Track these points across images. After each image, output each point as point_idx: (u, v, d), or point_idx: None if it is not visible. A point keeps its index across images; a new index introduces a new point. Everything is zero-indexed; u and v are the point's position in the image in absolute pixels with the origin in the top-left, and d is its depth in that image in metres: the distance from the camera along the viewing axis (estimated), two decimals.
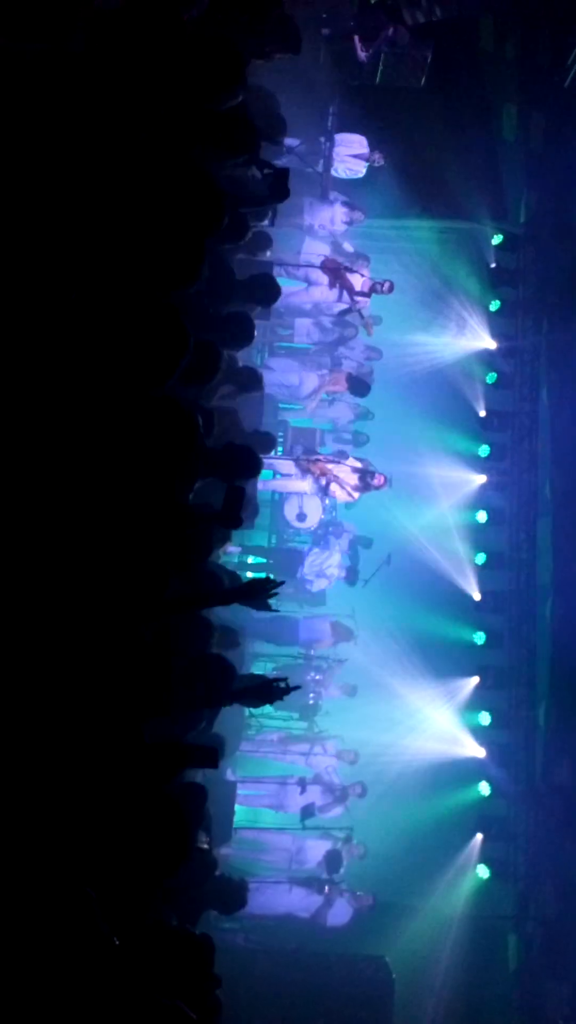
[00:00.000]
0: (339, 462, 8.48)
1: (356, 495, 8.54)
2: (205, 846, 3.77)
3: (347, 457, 8.68)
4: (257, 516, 6.94)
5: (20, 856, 1.79)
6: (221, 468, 4.21)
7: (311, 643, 8.32)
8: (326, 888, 7.33)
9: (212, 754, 2.76)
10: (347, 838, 7.64)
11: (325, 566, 8.63)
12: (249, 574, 8.04)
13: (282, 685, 3.45)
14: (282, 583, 3.41)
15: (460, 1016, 7.80)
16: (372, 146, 8.22)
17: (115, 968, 1.78)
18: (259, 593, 3.37)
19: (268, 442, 6.13)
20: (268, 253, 5.38)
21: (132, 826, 2.11)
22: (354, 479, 8.40)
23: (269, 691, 3.47)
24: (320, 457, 8.65)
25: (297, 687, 3.56)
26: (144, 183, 1.75)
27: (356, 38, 6.86)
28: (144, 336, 2.02)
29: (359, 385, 8.65)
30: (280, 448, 8.71)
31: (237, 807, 7.19)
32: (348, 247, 8.47)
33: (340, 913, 7.44)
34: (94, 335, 1.89)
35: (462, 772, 9.03)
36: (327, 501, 8.90)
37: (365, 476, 8.37)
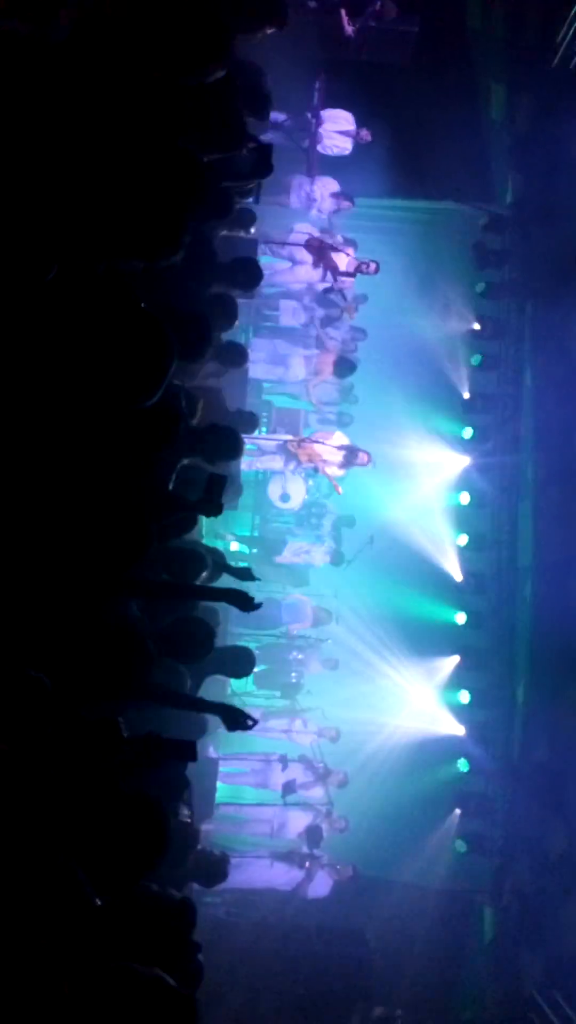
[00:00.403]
0: (323, 441, 8.49)
1: (341, 472, 8.58)
2: (187, 819, 3.82)
3: (331, 435, 8.70)
4: (240, 495, 6.96)
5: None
6: (204, 448, 4.22)
7: (291, 624, 8.38)
8: (306, 863, 7.44)
9: (190, 748, 2.79)
10: (328, 812, 7.75)
11: (305, 551, 8.69)
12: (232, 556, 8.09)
13: (249, 723, 3.51)
14: (258, 606, 3.52)
15: (437, 986, 7.98)
16: (359, 123, 8.14)
17: (96, 928, 1.81)
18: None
19: (252, 421, 6.12)
20: (253, 230, 5.32)
21: (109, 824, 2.13)
22: (338, 457, 8.43)
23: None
24: (305, 440, 8.67)
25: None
26: (125, 156, 1.73)
27: (343, 11, 6.76)
28: (128, 345, 2.01)
29: (344, 365, 8.65)
30: (264, 429, 8.71)
31: (219, 785, 7.27)
32: (336, 234, 8.41)
33: (320, 885, 7.57)
34: (74, 319, 1.88)
35: (442, 749, 9.17)
36: (311, 482, 8.94)
37: (350, 453, 8.40)
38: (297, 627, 8.41)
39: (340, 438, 8.76)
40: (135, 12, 1.92)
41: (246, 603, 3.49)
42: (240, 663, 4.81)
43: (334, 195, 8.26)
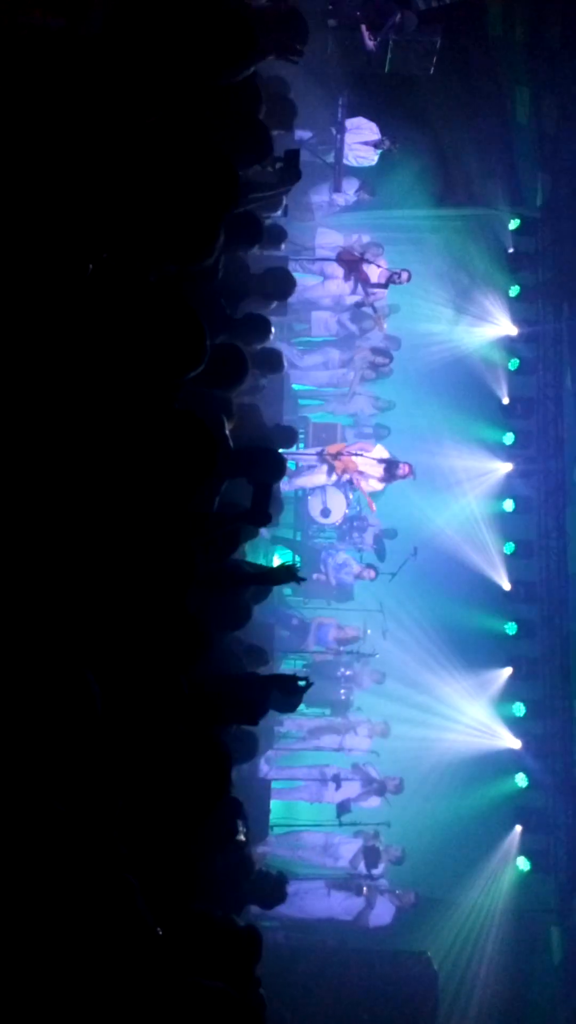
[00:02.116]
0: (362, 454, 8.43)
1: (382, 486, 8.49)
2: (243, 838, 3.76)
3: (371, 448, 8.64)
4: (282, 512, 6.93)
5: (61, 838, 1.78)
6: (247, 469, 4.21)
7: (316, 646, 8.28)
8: (364, 889, 7.27)
9: (252, 708, 2.75)
10: (376, 834, 7.58)
11: (344, 571, 8.59)
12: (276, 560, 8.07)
13: (302, 683, 3.47)
14: (303, 579, 3.52)
15: (505, 1010, 7.71)
16: (383, 132, 8.16)
17: (158, 958, 1.77)
18: (285, 577, 3.42)
19: (291, 436, 6.11)
20: (283, 247, 5.34)
21: (172, 766, 2.11)
22: (379, 470, 8.35)
23: (290, 686, 3.47)
24: (343, 450, 8.62)
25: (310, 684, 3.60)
26: (158, 159, 1.73)
27: (363, 27, 6.79)
28: (160, 329, 2.01)
29: (382, 352, 8.61)
30: (301, 444, 8.69)
31: (272, 803, 7.18)
32: (365, 237, 8.42)
33: (382, 913, 7.37)
34: (110, 318, 1.89)
35: (498, 764, 8.94)
36: (351, 496, 8.87)
37: (390, 467, 8.32)
38: (322, 656, 8.31)
39: (380, 451, 8.70)
40: (165, 9, 1.93)
41: (295, 578, 3.58)
42: (287, 699, 4.71)
43: (357, 191, 8.27)
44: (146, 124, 1.68)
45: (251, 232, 3.88)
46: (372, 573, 8.56)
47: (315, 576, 8.65)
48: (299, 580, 3.63)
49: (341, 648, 8.60)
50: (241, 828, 3.89)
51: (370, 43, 6.76)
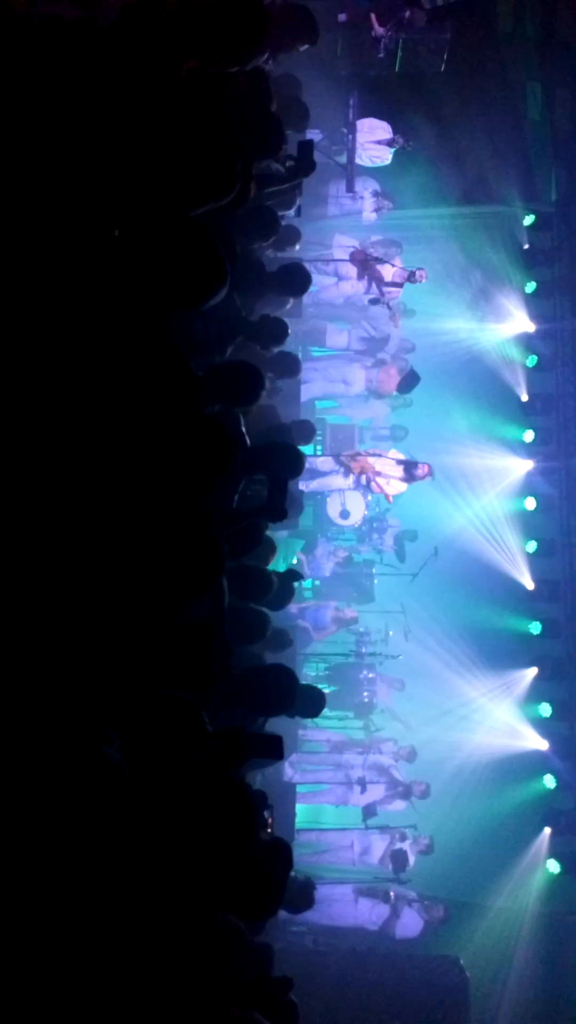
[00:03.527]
0: (381, 455, 8.40)
1: (403, 487, 8.44)
2: (269, 829, 3.72)
3: (388, 450, 8.60)
4: (301, 512, 6.91)
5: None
6: (265, 465, 4.19)
7: (315, 633, 8.20)
8: (392, 895, 7.19)
9: (277, 744, 2.72)
10: (403, 835, 7.50)
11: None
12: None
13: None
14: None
15: (538, 1014, 7.59)
16: (395, 131, 8.14)
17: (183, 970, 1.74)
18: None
19: (309, 431, 6.09)
20: (297, 247, 5.33)
21: (198, 811, 2.08)
22: (399, 471, 8.31)
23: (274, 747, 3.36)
24: (361, 453, 8.59)
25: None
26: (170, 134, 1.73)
27: (372, 15, 6.76)
28: (181, 259, 1.98)
29: (409, 382, 8.56)
30: (319, 448, 8.67)
31: (297, 806, 7.13)
32: (375, 238, 8.39)
33: (410, 924, 7.27)
34: (135, 272, 1.86)
35: (525, 765, 8.82)
36: (369, 497, 8.83)
37: (409, 467, 8.27)
38: (319, 635, 8.23)
39: (396, 453, 8.66)
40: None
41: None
42: (310, 705, 4.65)
43: (375, 194, 8.25)
44: (158, 108, 1.68)
45: (266, 225, 3.87)
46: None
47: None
48: (299, 578, 3.84)
49: (364, 650, 8.56)
50: (268, 816, 3.85)
51: (379, 30, 6.71)
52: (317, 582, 8.73)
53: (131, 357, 2.21)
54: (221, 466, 2.69)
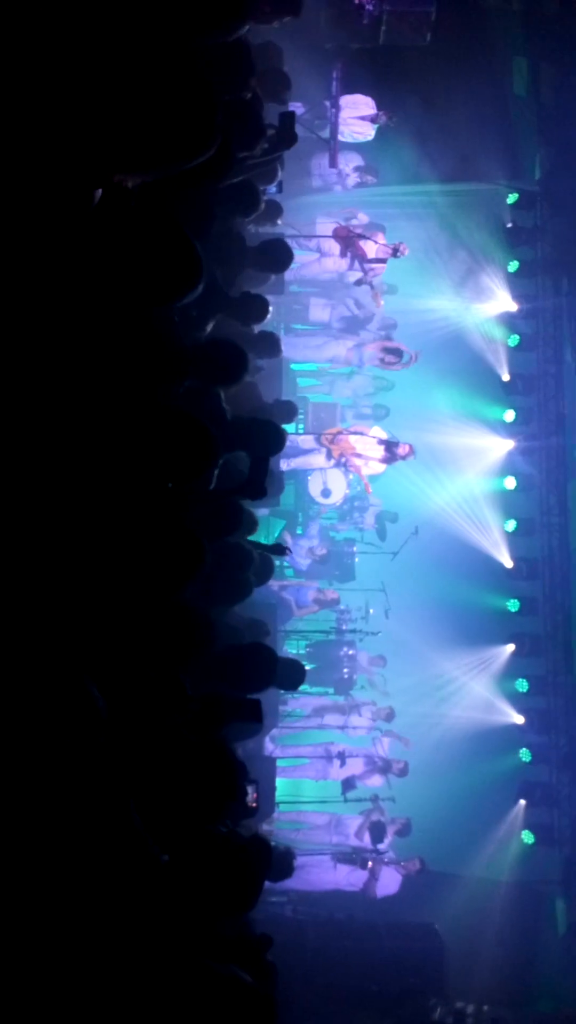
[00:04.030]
0: (362, 434, 8.41)
1: (383, 467, 8.47)
2: (253, 804, 3.79)
3: (368, 429, 8.61)
4: (282, 491, 6.92)
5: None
6: (245, 442, 4.20)
7: (296, 611, 8.28)
8: (369, 863, 7.34)
9: (255, 707, 2.76)
10: (380, 807, 7.63)
11: (308, 547, 8.60)
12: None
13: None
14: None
15: (512, 981, 7.81)
16: (379, 107, 8.05)
17: (163, 887, 1.78)
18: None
19: (290, 411, 6.09)
20: (279, 223, 5.29)
21: (180, 771, 2.12)
22: (380, 451, 8.33)
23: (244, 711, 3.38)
24: (343, 431, 8.59)
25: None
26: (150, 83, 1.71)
27: None
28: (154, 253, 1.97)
29: (393, 352, 8.57)
30: (301, 426, 8.67)
31: (278, 780, 7.23)
32: (363, 217, 8.34)
33: (389, 883, 7.45)
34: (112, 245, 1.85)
35: (502, 739, 9.00)
36: (351, 476, 8.85)
37: (391, 447, 8.30)
38: (300, 612, 8.32)
39: (378, 432, 8.67)
40: None
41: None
42: (290, 677, 4.71)
43: (357, 169, 8.18)
44: (137, 75, 1.66)
45: (247, 199, 3.84)
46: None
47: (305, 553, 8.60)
48: (284, 552, 3.84)
49: (344, 627, 8.64)
50: (250, 794, 3.92)
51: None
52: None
53: (112, 335, 2.19)
54: (197, 469, 2.68)
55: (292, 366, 8.66)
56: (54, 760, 1.61)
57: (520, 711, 9.16)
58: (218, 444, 2.69)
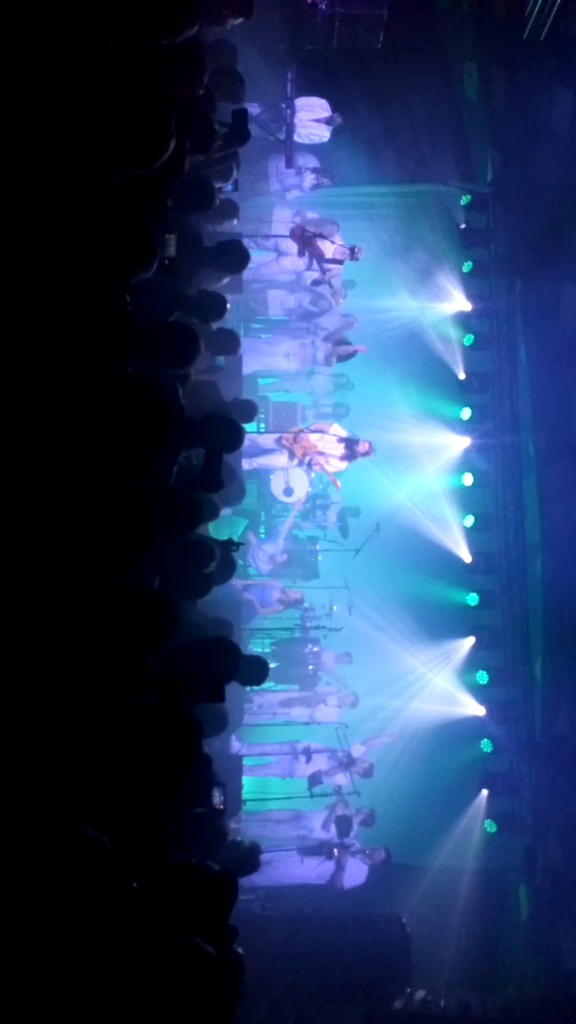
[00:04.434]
0: (323, 432, 8.48)
1: (344, 464, 8.56)
2: (220, 806, 3.81)
3: (328, 427, 8.69)
4: (243, 496, 6.95)
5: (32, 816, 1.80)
6: (204, 439, 4.22)
7: (261, 609, 8.34)
8: (335, 852, 7.42)
9: (216, 685, 2.80)
10: (345, 802, 7.70)
11: (270, 554, 8.66)
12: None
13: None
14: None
15: (477, 967, 7.96)
16: (333, 108, 8.14)
17: (133, 911, 1.81)
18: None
19: (250, 410, 6.12)
20: (235, 222, 5.33)
21: (143, 736, 2.14)
22: (340, 449, 8.42)
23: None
24: (303, 430, 8.66)
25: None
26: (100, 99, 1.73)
27: None
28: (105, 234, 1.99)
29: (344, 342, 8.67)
30: (263, 425, 8.71)
31: (245, 778, 7.26)
32: (313, 215, 8.41)
33: (356, 873, 7.53)
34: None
35: (463, 731, 9.15)
36: (312, 475, 8.93)
37: (351, 444, 8.39)
38: (265, 611, 8.38)
39: (337, 429, 8.76)
40: None
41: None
42: (254, 672, 4.73)
43: (314, 171, 8.26)
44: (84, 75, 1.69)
45: (202, 196, 3.87)
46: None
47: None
48: (236, 546, 4.09)
49: (308, 624, 8.70)
50: (218, 796, 3.94)
51: None
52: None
53: (64, 314, 2.19)
54: (157, 433, 2.70)
55: (260, 380, 8.71)
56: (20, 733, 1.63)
57: (481, 702, 9.33)
58: (173, 408, 2.71)
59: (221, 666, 3.60)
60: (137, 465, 2.68)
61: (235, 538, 7.99)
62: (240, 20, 4.59)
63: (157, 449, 2.74)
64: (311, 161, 8.40)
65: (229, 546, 4.37)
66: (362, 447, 8.48)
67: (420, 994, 6.88)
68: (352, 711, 8.49)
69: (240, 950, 3.22)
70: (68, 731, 1.78)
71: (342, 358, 8.72)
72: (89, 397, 2.32)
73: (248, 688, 7.46)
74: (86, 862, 1.90)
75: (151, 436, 2.58)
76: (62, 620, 2.07)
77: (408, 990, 6.89)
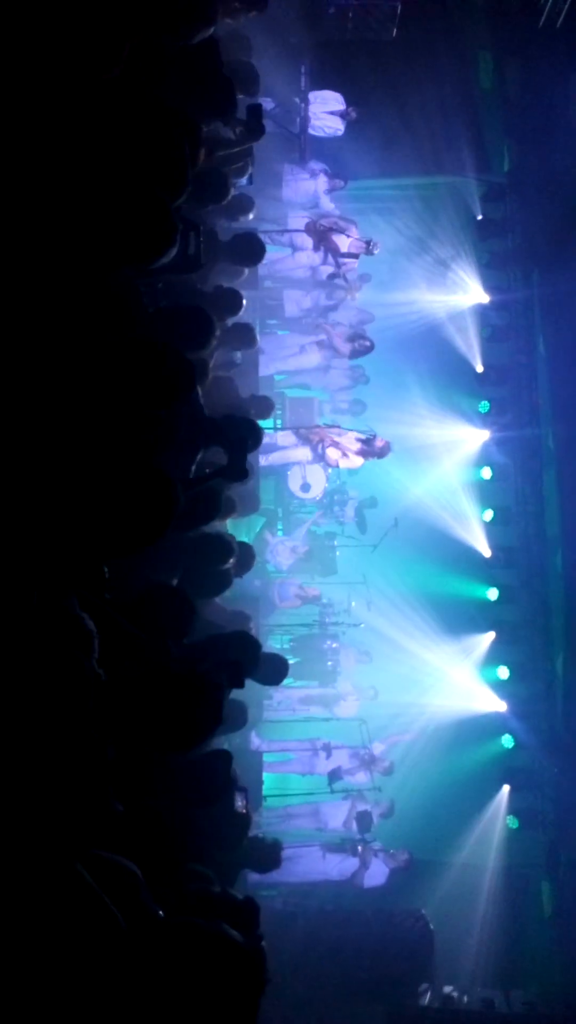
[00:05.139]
0: (341, 431, 8.46)
1: (360, 460, 8.52)
2: (243, 810, 3.81)
3: (347, 431, 8.63)
4: (259, 506, 6.92)
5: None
6: (223, 438, 4.21)
7: (279, 604, 8.33)
8: (359, 848, 7.41)
9: (236, 669, 2.78)
10: (362, 797, 7.69)
11: (291, 547, 8.64)
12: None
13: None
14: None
15: (500, 964, 7.92)
16: (348, 102, 8.09)
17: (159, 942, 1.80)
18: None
19: (267, 406, 6.10)
20: (251, 216, 5.31)
21: (165, 699, 2.13)
22: (357, 445, 8.39)
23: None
24: (320, 427, 8.63)
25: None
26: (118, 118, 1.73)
27: None
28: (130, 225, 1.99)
29: (360, 347, 8.61)
30: (279, 421, 8.69)
31: (265, 775, 7.27)
32: (331, 206, 8.36)
33: (377, 873, 7.51)
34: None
35: (485, 727, 9.10)
36: (330, 470, 8.90)
37: (368, 442, 8.35)
38: (283, 605, 8.37)
39: (355, 435, 8.69)
40: None
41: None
42: (274, 671, 4.70)
43: (326, 173, 8.21)
44: (106, 79, 1.68)
45: (217, 188, 3.86)
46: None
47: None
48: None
49: (327, 620, 8.69)
50: (240, 801, 3.93)
51: None
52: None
53: (81, 306, 2.19)
54: (172, 393, 2.66)
55: (276, 376, 8.69)
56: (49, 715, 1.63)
57: (502, 697, 9.27)
58: (190, 369, 2.68)
59: (241, 658, 3.60)
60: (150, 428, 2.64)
61: (251, 538, 8.05)
62: (254, 14, 4.58)
63: (174, 401, 2.67)
64: (321, 166, 8.35)
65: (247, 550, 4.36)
66: (379, 443, 8.44)
67: (445, 990, 6.85)
68: (372, 708, 8.47)
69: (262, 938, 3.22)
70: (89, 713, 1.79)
71: (358, 353, 8.67)
72: (103, 359, 2.28)
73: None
74: (117, 890, 1.89)
75: (165, 396, 2.53)
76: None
77: (430, 986, 6.86)
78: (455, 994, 6.77)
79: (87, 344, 2.08)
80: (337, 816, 7.71)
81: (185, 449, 3.81)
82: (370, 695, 8.32)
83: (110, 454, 2.11)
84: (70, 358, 2.05)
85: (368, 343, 8.56)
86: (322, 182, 8.34)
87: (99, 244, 1.97)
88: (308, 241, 8.07)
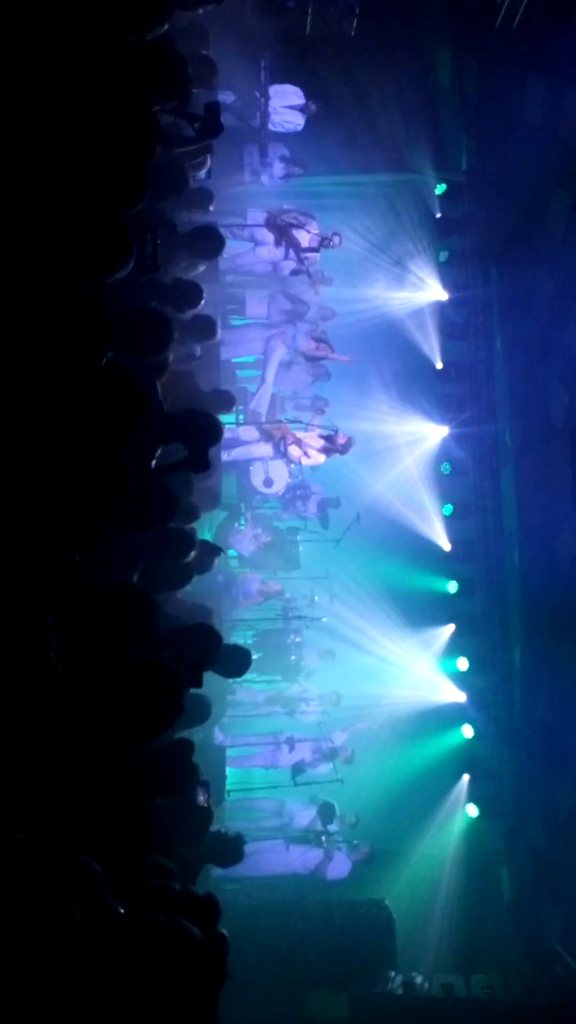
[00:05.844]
0: (304, 425, 8.48)
1: (322, 457, 8.56)
2: (204, 804, 3.81)
3: (310, 427, 8.66)
4: (219, 502, 6.91)
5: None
6: (183, 434, 4.19)
7: (241, 601, 8.35)
8: (323, 839, 7.47)
9: (195, 668, 2.78)
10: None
11: (253, 534, 8.66)
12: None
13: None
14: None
15: (461, 949, 8.06)
16: (307, 96, 8.09)
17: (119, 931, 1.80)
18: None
19: (228, 401, 6.09)
20: (210, 209, 5.28)
21: (126, 689, 2.13)
22: (319, 442, 8.42)
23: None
24: (282, 422, 8.64)
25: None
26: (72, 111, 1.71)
27: None
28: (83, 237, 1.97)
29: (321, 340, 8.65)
30: (241, 416, 8.67)
31: (228, 770, 7.27)
32: (288, 205, 8.37)
33: (340, 867, 7.60)
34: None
35: (444, 717, 9.24)
36: (292, 465, 8.92)
37: (330, 439, 8.39)
38: (246, 602, 8.40)
39: (316, 423, 8.74)
40: None
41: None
42: (236, 663, 4.70)
43: (283, 159, 8.21)
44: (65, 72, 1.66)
45: (175, 180, 3.83)
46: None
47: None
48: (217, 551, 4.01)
49: (290, 615, 8.71)
50: (202, 796, 3.94)
51: None
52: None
53: (36, 307, 2.16)
54: (131, 416, 2.67)
55: (239, 373, 8.66)
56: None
57: (462, 688, 9.42)
58: (145, 390, 2.68)
59: (202, 652, 3.59)
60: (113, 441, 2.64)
61: (212, 529, 8.03)
62: (211, 6, 4.55)
63: (134, 425, 2.68)
64: (281, 150, 8.34)
65: (213, 550, 4.35)
66: (342, 439, 8.49)
67: (409, 976, 6.95)
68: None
69: (225, 931, 3.23)
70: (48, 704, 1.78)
71: (321, 358, 8.70)
72: (63, 385, 2.29)
73: (231, 680, 7.47)
74: (76, 886, 1.89)
75: (124, 420, 2.54)
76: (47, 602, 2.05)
77: (393, 973, 6.96)
78: (417, 980, 6.87)
79: (45, 358, 2.06)
80: (303, 819, 7.77)
81: (145, 444, 3.79)
82: (333, 700, 8.38)
83: (61, 438, 2.10)
84: (28, 368, 2.03)
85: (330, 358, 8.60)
86: (279, 168, 8.33)
87: (53, 261, 1.96)
88: (269, 236, 8.06)
